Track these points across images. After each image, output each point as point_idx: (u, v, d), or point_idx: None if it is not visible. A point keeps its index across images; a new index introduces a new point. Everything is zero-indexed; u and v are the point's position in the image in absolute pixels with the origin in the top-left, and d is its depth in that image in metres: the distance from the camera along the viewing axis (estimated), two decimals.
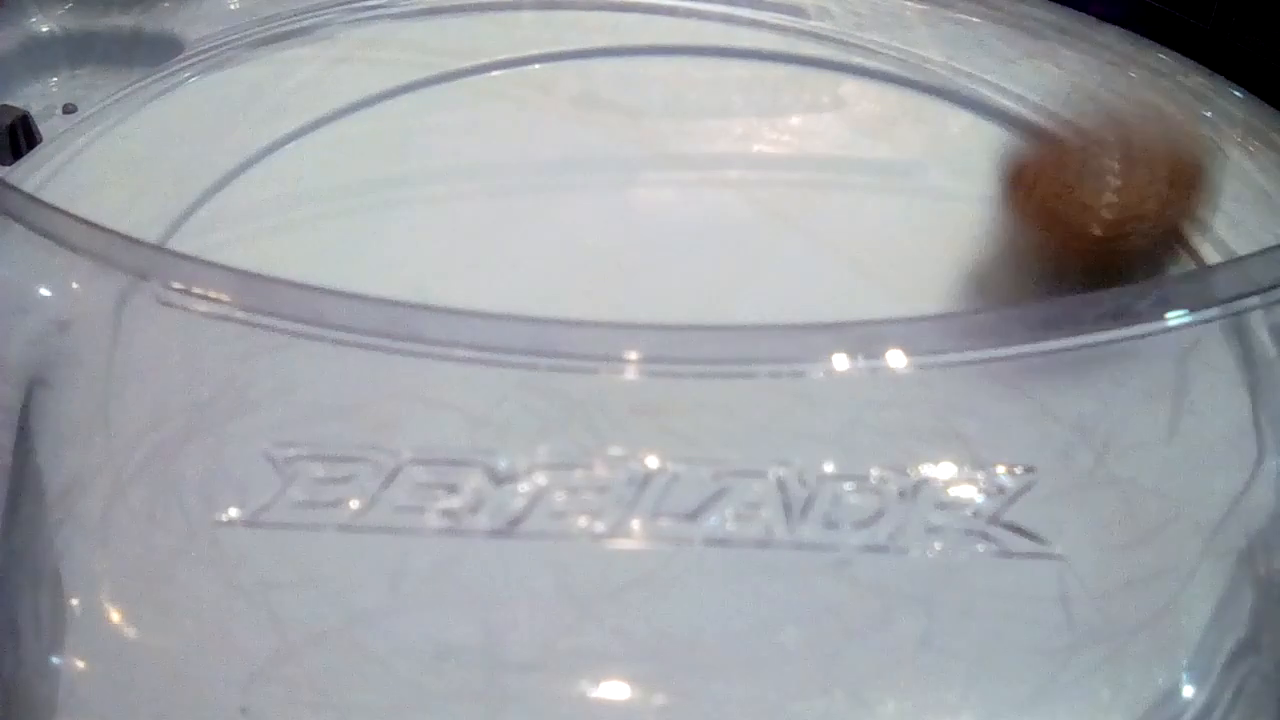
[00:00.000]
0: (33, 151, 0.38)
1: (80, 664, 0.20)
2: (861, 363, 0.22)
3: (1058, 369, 0.24)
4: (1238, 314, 0.26)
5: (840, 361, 0.22)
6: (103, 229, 0.22)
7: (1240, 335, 0.27)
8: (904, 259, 0.34)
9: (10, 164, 0.38)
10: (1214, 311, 0.25)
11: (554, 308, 0.22)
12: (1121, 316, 0.23)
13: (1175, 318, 0.24)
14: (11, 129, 0.38)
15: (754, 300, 0.31)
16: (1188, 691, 0.20)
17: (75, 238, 0.23)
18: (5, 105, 0.40)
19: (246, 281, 0.22)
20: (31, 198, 0.25)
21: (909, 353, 0.21)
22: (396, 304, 0.22)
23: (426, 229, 0.35)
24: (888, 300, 0.32)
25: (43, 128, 0.40)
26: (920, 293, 0.32)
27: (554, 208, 0.36)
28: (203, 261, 0.23)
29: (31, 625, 0.21)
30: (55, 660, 0.20)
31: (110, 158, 0.37)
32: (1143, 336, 0.24)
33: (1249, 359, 0.26)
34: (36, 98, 0.43)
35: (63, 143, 0.37)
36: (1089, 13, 0.43)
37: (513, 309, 0.22)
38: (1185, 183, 0.30)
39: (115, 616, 0.20)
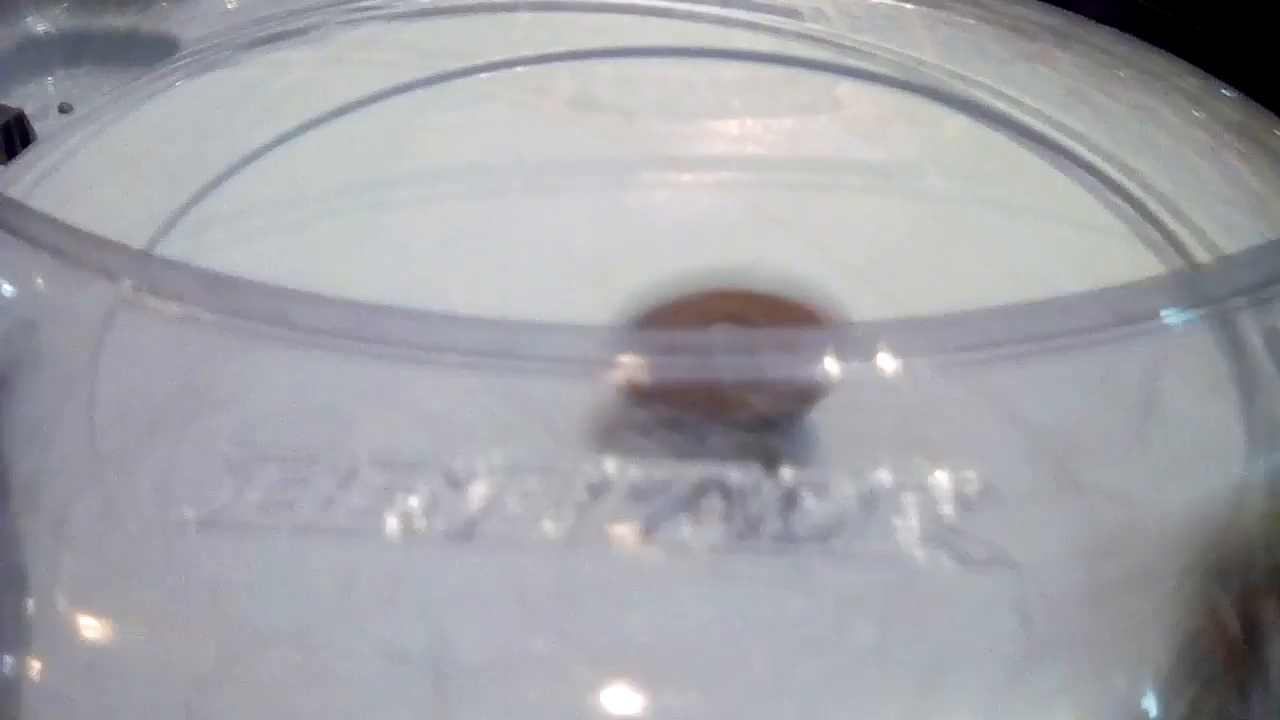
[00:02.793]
0: (27, 150, 0.38)
1: (35, 663, 0.20)
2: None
3: (1029, 372, 0.23)
4: (1225, 314, 0.26)
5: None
6: (69, 228, 0.22)
7: (1228, 336, 0.26)
8: (899, 262, 0.33)
9: (5, 163, 0.38)
10: (1201, 312, 0.24)
11: (546, 309, 0.22)
12: (1106, 317, 0.23)
13: (1162, 317, 0.24)
14: (6, 128, 0.39)
15: None
16: (1149, 705, 0.20)
17: (41, 236, 0.23)
18: (0, 105, 0.40)
19: (211, 283, 0.22)
20: None
21: (868, 357, 0.21)
22: (360, 305, 0.22)
23: (420, 230, 0.35)
24: (883, 304, 0.32)
25: (38, 127, 0.40)
26: (916, 296, 0.32)
27: (548, 209, 0.36)
28: (169, 262, 0.23)
29: None
30: (9, 659, 0.20)
31: (105, 157, 0.37)
32: (1127, 337, 0.24)
33: (1236, 360, 0.26)
34: (32, 97, 0.43)
35: (57, 142, 0.37)
36: (1084, 14, 0.43)
37: (505, 310, 0.22)
38: None
39: (70, 616, 0.20)
